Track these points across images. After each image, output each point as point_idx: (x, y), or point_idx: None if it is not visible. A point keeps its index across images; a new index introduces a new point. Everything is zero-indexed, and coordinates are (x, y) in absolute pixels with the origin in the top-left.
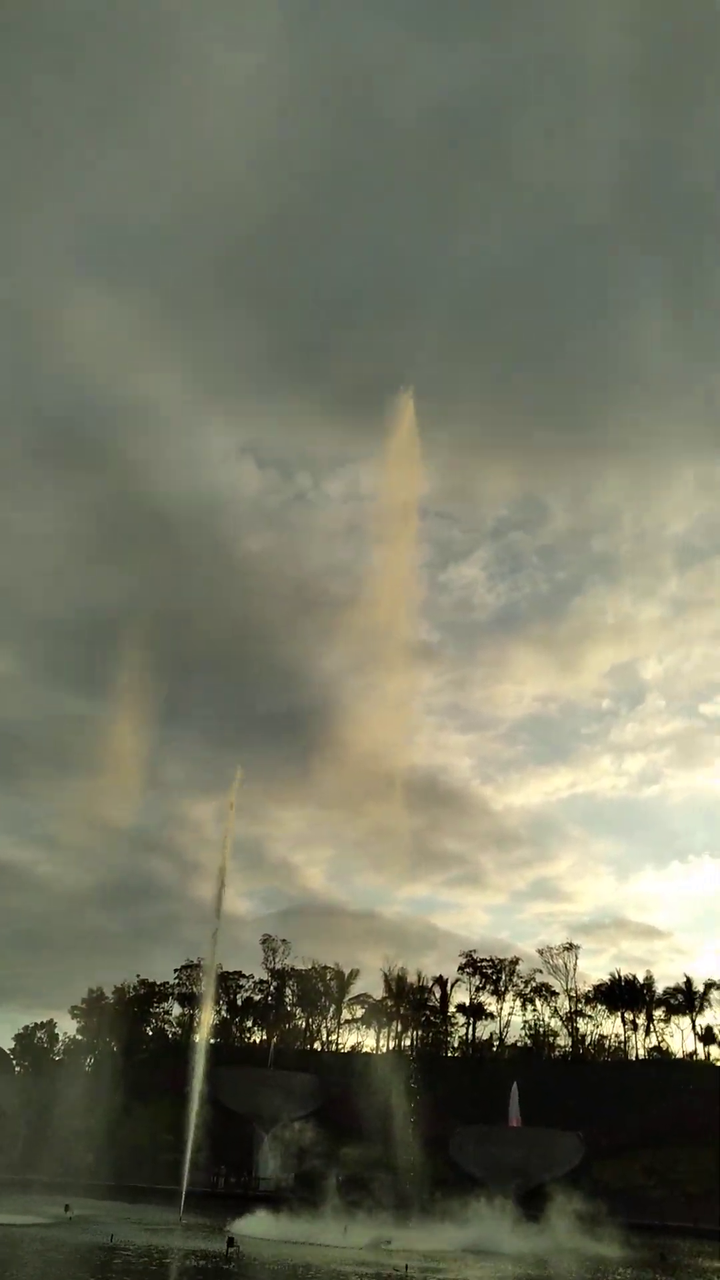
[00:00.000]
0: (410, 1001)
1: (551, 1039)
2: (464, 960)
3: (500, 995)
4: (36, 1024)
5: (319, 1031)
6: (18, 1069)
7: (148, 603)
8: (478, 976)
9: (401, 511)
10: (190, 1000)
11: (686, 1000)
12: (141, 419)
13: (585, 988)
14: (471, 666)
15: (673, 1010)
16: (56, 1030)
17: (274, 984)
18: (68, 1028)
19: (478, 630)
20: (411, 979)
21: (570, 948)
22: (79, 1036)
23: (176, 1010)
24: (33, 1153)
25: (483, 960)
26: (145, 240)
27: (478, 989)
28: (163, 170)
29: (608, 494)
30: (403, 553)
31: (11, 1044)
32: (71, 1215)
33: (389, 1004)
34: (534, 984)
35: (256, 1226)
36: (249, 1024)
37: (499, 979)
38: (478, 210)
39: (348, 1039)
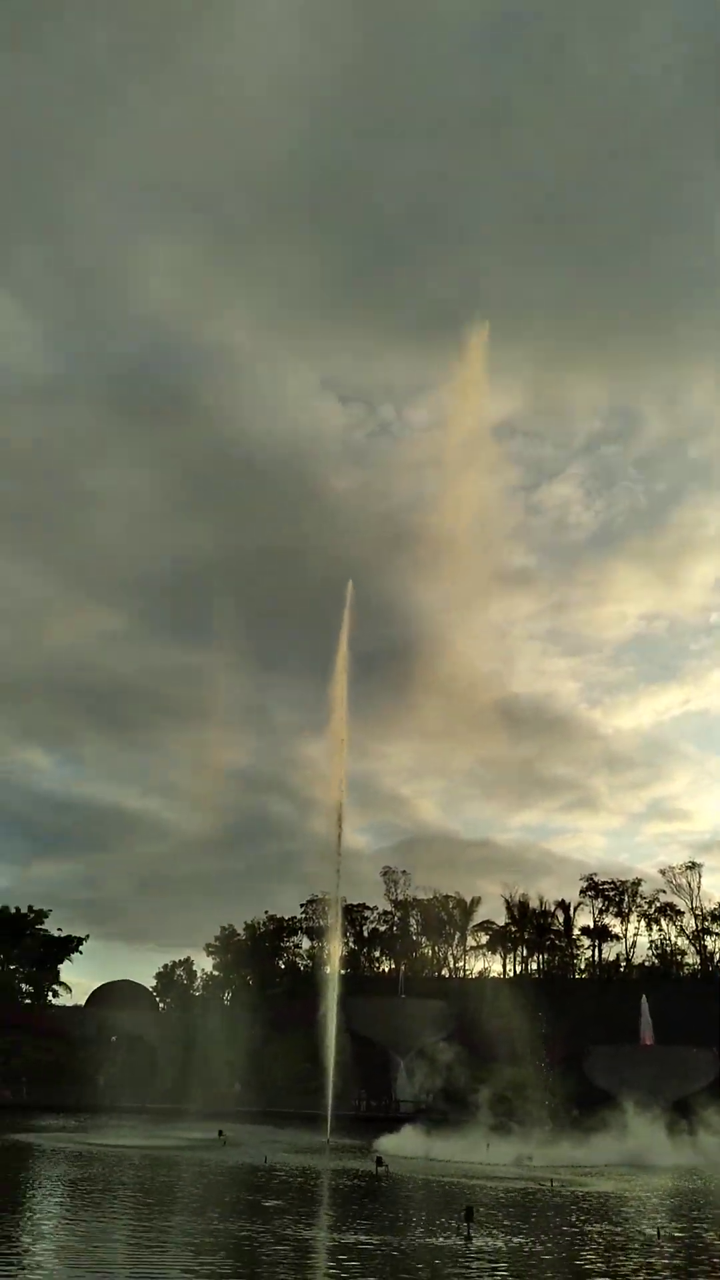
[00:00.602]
0: (534, 926)
1: (679, 958)
2: (585, 884)
3: (624, 917)
4: (175, 962)
5: (445, 959)
6: (161, 1005)
7: (239, 550)
8: (600, 899)
9: (483, 436)
10: (317, 934)
11: None
12: (218, 364)
13: (710, 905)
14: (570, 588)
15: None
16: (194, 967)
17: (398, 914)
18: (204, 964)
19: (575, 551)
20: (533, 904)
21: (692, 866)
22: (215, 972)
23: (306, 944)
24: (181, 1084)
25: (604, 883)
26: (202, 182)
27: (601, 911)
28: (212, 109)
29: (701, 398)
30: (488, 479)
31: (153, 982)
32: (224, 1140)
33: (512, 929)
34: (658, 904)
35: (401, 1146)
36: (377, 954)
37: (622, 901)
38: (538, 114)
39: (474, 965)
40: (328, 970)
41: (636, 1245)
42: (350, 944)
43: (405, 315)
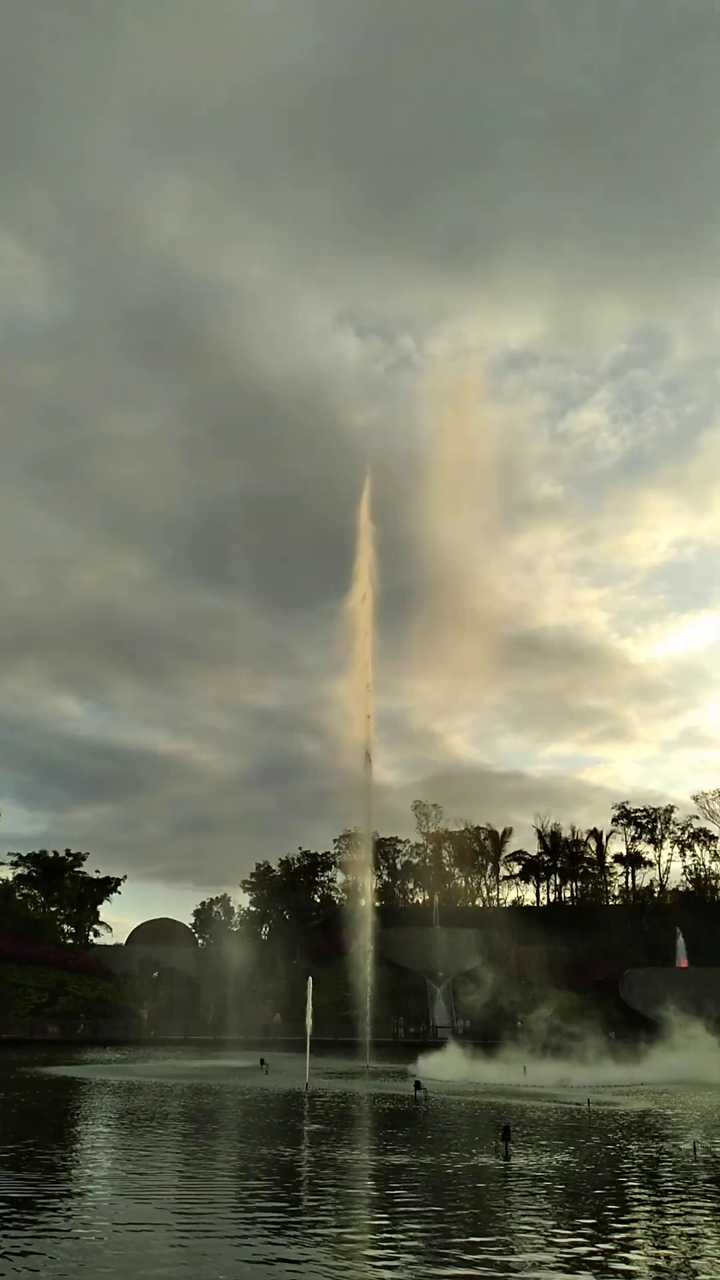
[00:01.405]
0: (566, 855)
1: (714, 882)
2: (617, 812)
3: (657, 844)
4: (212, 899)
5: (478, 889)
6: (200, 941)
7: (261, 490)
8: (633, 827)
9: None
10: (351, 868)
11: None
12: (233, 301)
13: None
14: (599, 517)
15: None
16: (231, 904)
17: (430, 847)
18: (241, 900)
19: (603, 478)
20: (565, 834)
21: None
22: (252, 908)
23: (340, 878)
24: (223, 1016)
25: (636, 810)
26: (211, 114)
27: (634, 839)
28: (221, 36)
29: None
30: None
31: (191, 920)
32: (266, 1068)
33: (545, 859)
34: (691, 830)
35: (439, 1070)
36: (410, 886)
37: (655, 828)
38: (557, 22)
39: (508, 894)
40: (362, 903)
41: (671, 1160)
42: (384, 877)
43: (424, 242)
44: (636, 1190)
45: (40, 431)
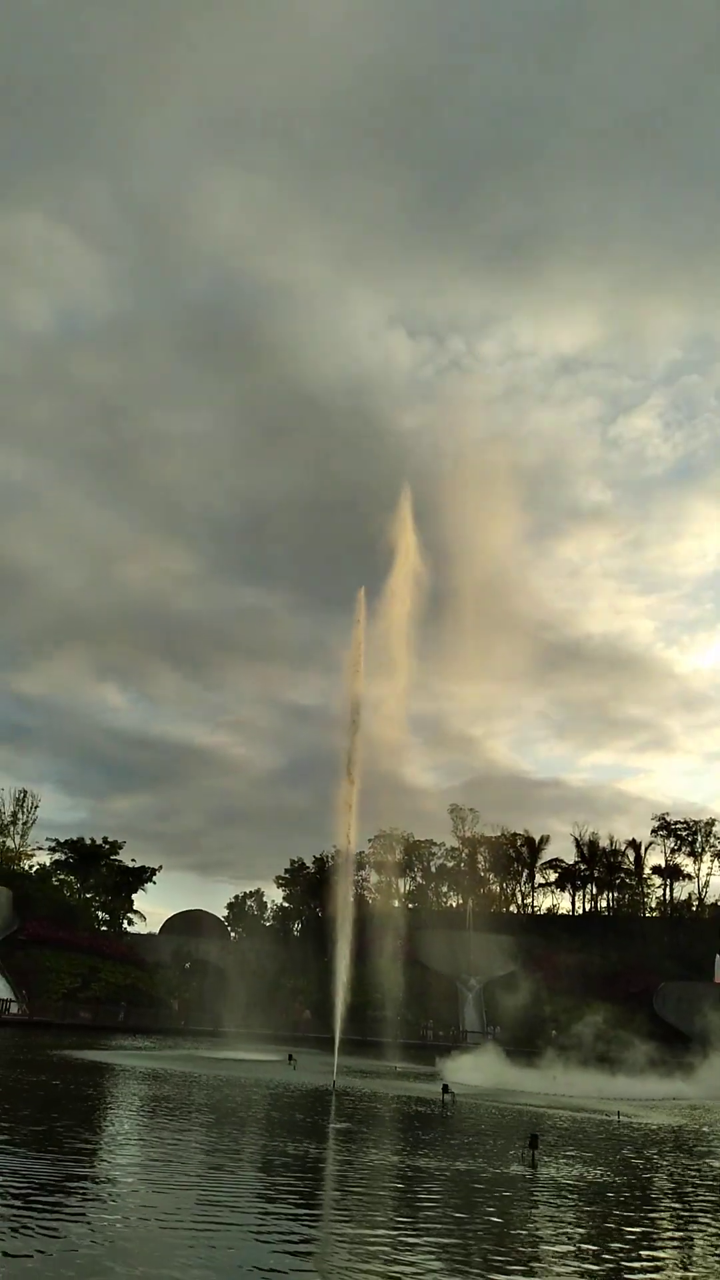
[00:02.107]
0: (604, 865)
1: None
2: (657, 823)
3: (697, 856)
4: (246, 893)
5: (513, 895)
6: (233, 934)
7: (308, 491)
8: (672, 839)
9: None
10: (386, 868)
11: None
12: (286, 300)
13: None
14: (647, 524)
15: None
16: (264, 899)
17: (465, 851)
18: (274, 896)
19: (653, 485)
20: (603, 843)
21: None
22: (285, 904)
23: (374, 877)
24: (253, 1010)
25: (677, 822)
26: (268, 112)
27: (673, 851)
28: (278, 33)
29: None
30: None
31: (224, 912)
32: (294, 1064)
33: (581, 868)
34: None
35: (467, 1075)
36: (444, 889)
37: (695, 840)
38: (614, 21)
39: (543, 902)
40: (395, 904)
41: (699, 1176)
42: (418, 879)
43: (477, 243)
44: (663, 1206)
45: (93, 426)
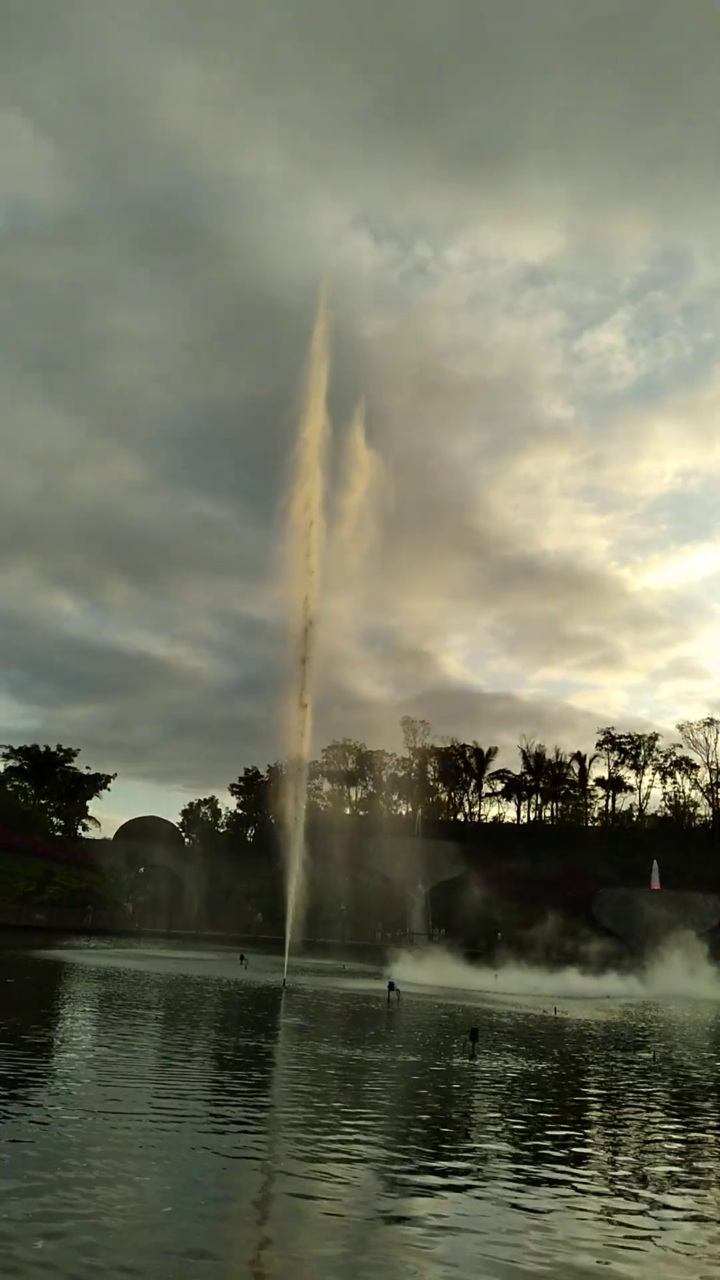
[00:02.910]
0: (549, 776)
1: (692, 809)
2: (602, 737)
3: (639, 770)
4: (201, 800)
5: (461, 805)
6: (187, 841)
7: (264, 398)
8: (616, 752)
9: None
10: (338, 778)
11: None
12: (245, 199)
13: None
14: (607, 443)
15: None
16: (219, 806)
17: (415, 761)
18: (229, 804)
19: (615, 402)
20: (549, 756)
21: (711, 723)
22: (240, 811)
23: (327, 786)
24: (207, 914)
25: (621, 737)
26: (228, 3)
27: (616, 764)
28: None
29: None
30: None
31: (179, 819)
32: (246, 964)
33: (527, 778)
34: (674, 758)
35: (413, 974)
36: (395, 798)
37: (638, 754)
38: None
39: (489, 811)
40: (346, 812)
41: (633, 1068)
42: (369, 788)
43: (442, 147)
44: (591, 1093)
45: (43, 325)
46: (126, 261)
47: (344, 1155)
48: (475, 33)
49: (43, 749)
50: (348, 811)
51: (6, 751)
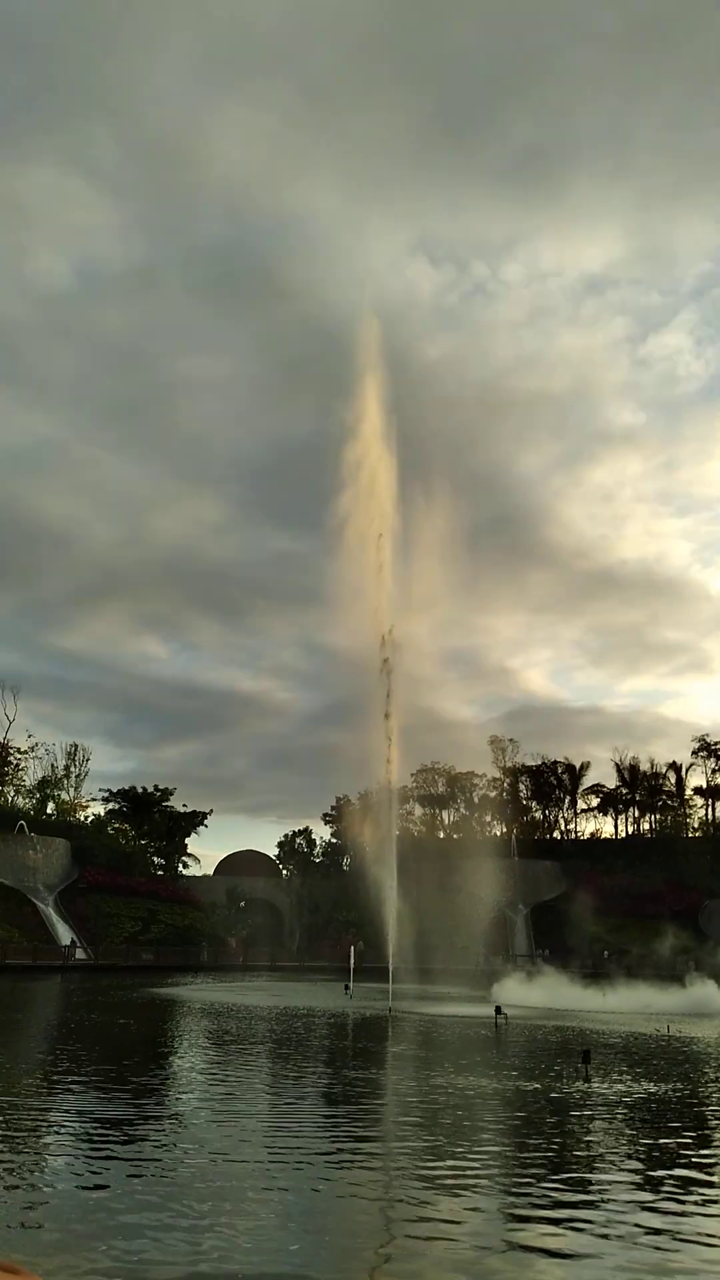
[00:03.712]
0: (645, 788)
1: None
2: (697, 744)
3: None
4: (294, 831)
5: (557, 822)
6: (284, 872)
7: (333, 429)
8: (713, 759)
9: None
10: (429, 801)
11: None
12: (302, 235)
13: None
14: (680, 445)
15: None
16: (313, 836)
17: (506, 781)
18: (322, 833)
19: (685, 404)
20: (644, 767)
21: None
22: (334, 840)
23: (418, 810)
24: (308, 945)
25: (717, 743)
26: (269, 44)
27: (714, 771)
28: None
29: None
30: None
31: (275, 851)
32: (351, 994)
33: (623, 792)
34: None
35: (519, 997)
36: (488, 819)
37: None
38: None
39: (585, 827)
40: (440, 835)
41: None
42: (461, 810)
43: (495, 162)
44: (712, 1116)
45: (115, 377)
46: (191, 307)
47: (463, 1187)
48: (519, 44)
49: (140, 790)
50: (441, 835)
51: (107, 794)
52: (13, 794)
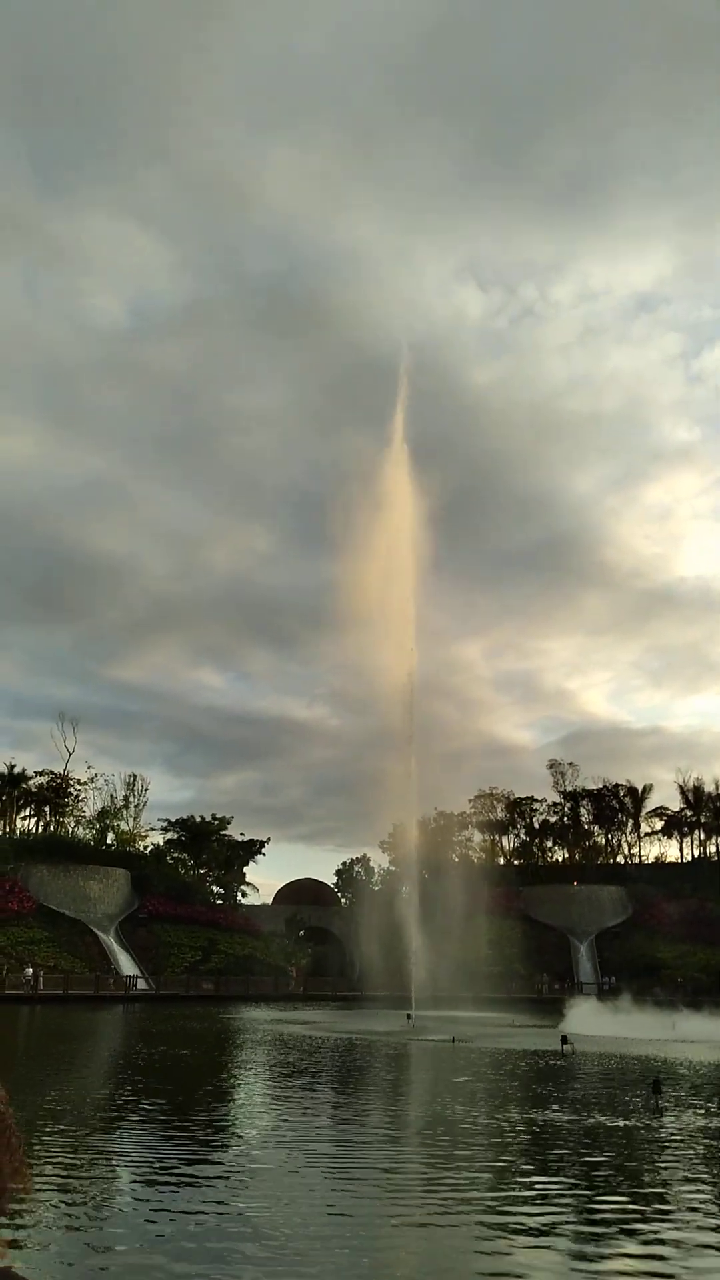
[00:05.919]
0: (710, 810)
1: None
2: None
3: None
4: (353, 859)
5: (619, 846)
6: (343, 900)
7: (382, 455)
8: None
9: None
10: (488, 827)
11: None
12: (349, 266)
13: None
14: None
15: None
16: (371, 864)
17: (567, 805)
18: (380, 860)
19: None
20: (709, 788)
21: None
22: (392, 868)
23: (477, 837)
24: (368, 974)
25: None
26: (312, 78)
27: None
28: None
29: None
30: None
31: (334, 879)
32: (413, 1023)
33: (688, 814)
34: None
35: (585, 1025)
36: (549, 844)
37: None
38: None
39: (649, 851)
40: (500, 861)
41: None
42: (521, 835)
43: (541, 185)
44: None
45: (168, 412)
46: (242, 342)
47: (536, 1227)
48: (562, 61)
49: (198, 819)
50: (501, 862)
51: (165, 824)
52: (73, 825)
